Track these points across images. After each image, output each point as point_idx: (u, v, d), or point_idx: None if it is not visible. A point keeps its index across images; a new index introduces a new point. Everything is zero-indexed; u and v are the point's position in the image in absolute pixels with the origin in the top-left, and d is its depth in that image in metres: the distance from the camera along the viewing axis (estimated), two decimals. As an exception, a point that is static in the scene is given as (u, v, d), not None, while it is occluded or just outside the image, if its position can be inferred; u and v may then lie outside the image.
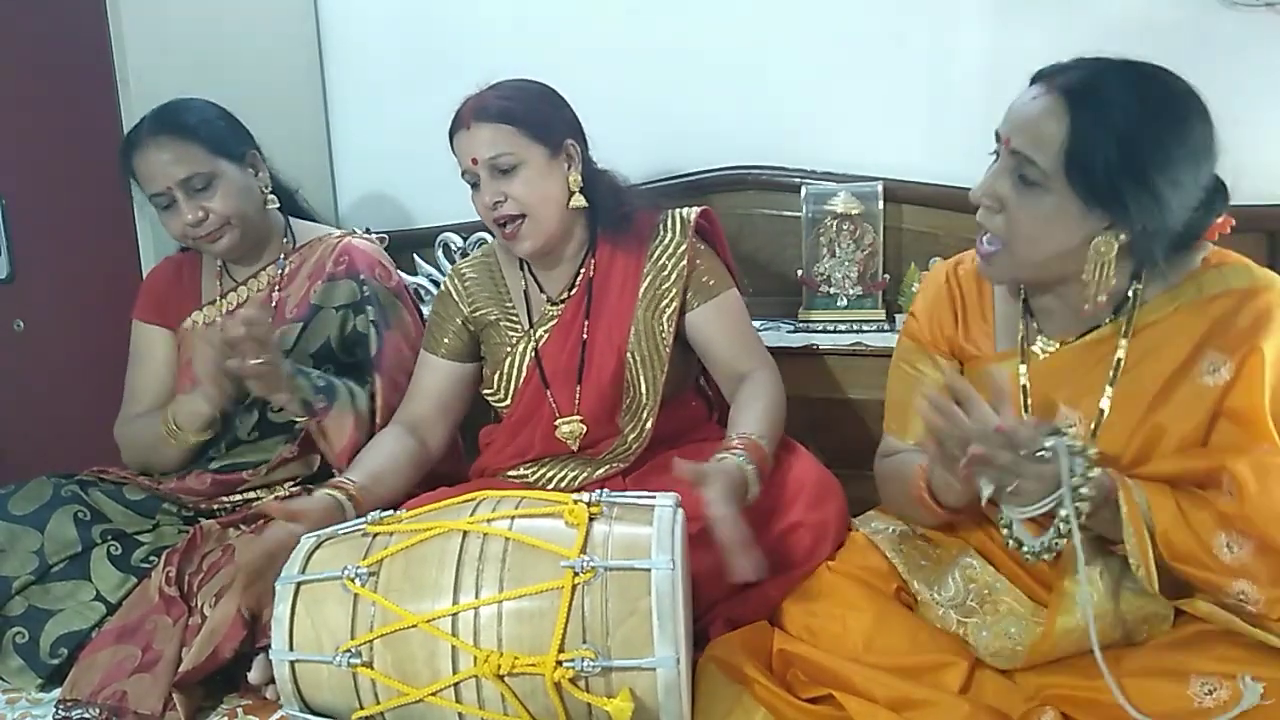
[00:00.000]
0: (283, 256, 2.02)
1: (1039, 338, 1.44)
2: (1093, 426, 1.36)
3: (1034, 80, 1.33)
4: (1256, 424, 1.25)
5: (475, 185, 1.75)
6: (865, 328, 2.22)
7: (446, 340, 1.88)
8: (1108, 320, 1.37)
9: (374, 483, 1.68)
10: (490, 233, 2.47)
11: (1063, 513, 1.21)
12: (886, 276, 2.30)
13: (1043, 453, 1.19)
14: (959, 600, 1.43)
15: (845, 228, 2.27)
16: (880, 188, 2.29)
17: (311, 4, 2.76)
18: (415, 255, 2.57)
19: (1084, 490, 1.20)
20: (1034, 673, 1.34)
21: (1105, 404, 1.35)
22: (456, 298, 1.90)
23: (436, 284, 2.56)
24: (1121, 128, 1.23)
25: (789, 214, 2.42)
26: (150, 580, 1.73)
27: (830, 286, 2.29)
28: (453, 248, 2.57)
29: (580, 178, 1.78)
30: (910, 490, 1.45)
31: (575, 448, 1.82)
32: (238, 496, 1.91)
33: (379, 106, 2.76)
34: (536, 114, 1.74)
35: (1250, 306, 1.29)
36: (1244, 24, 2.11)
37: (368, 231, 2.16)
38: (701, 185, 2.48)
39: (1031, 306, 1.45)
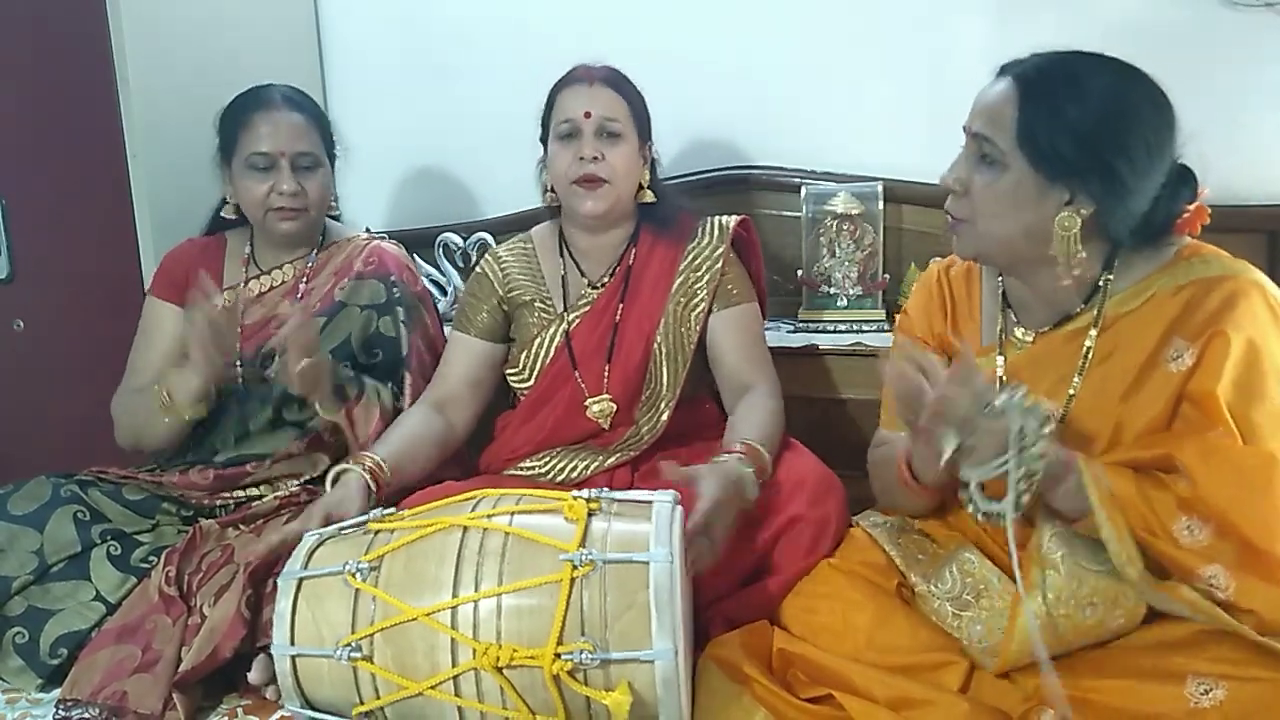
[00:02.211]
0: (314, 251, 2.04)
1: (1016, 330, 1.47)
2: (1061, 415, 1.38)
3: (997, 74, 1.39)
4: (1210, 408, 1.27)
5: (569, 136, 1.82)
6: (865, 328, 2.22)
7: (481, 319, 1.93)
8: (1078, 310, 1.41)
9: (399, 459, 1.71)
10: (492, 233, 2.50)
11: (1010, 466, 1.21)
12: (886, 276, 2.30)
13: (992, 409, 1.22)
14: (955, 593, 1.43)
15: (845, 228, 2.28)
16: (880, 188, 2.29)
17: (311, 4, 2.76)
18: (415, 255, 2.57)
19: (1035, 450, 1.21)
20: (1032, 672, 1.33)
21: (1073, 392, 1.39)
22: (493, 278, 1.95)
23: (437, 284, 2.56)
24: (1068, 103, 1.30)
25: (789, 214, 2.42)
26: (150, 580, 1.72)
27: (830, 286, 2.30)
28: (452, 248, 2.57)
29: (649, 178, 1.91)
30: (894, 472, 1.48)
31: (607, 426, 1.85)
32: (239, 492, 1.90)
33: (379, 106, 2.77)
34: (642, 108, 1.89)
35: (1216, 293, 1.32)
36: (1244, 24, 2.12)
37: (367, 231, 2.16)
38: (703, 185, 2.49)
39: (1009, 299, 1.49)
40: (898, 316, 1.70)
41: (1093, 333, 1.38)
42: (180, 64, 2.27)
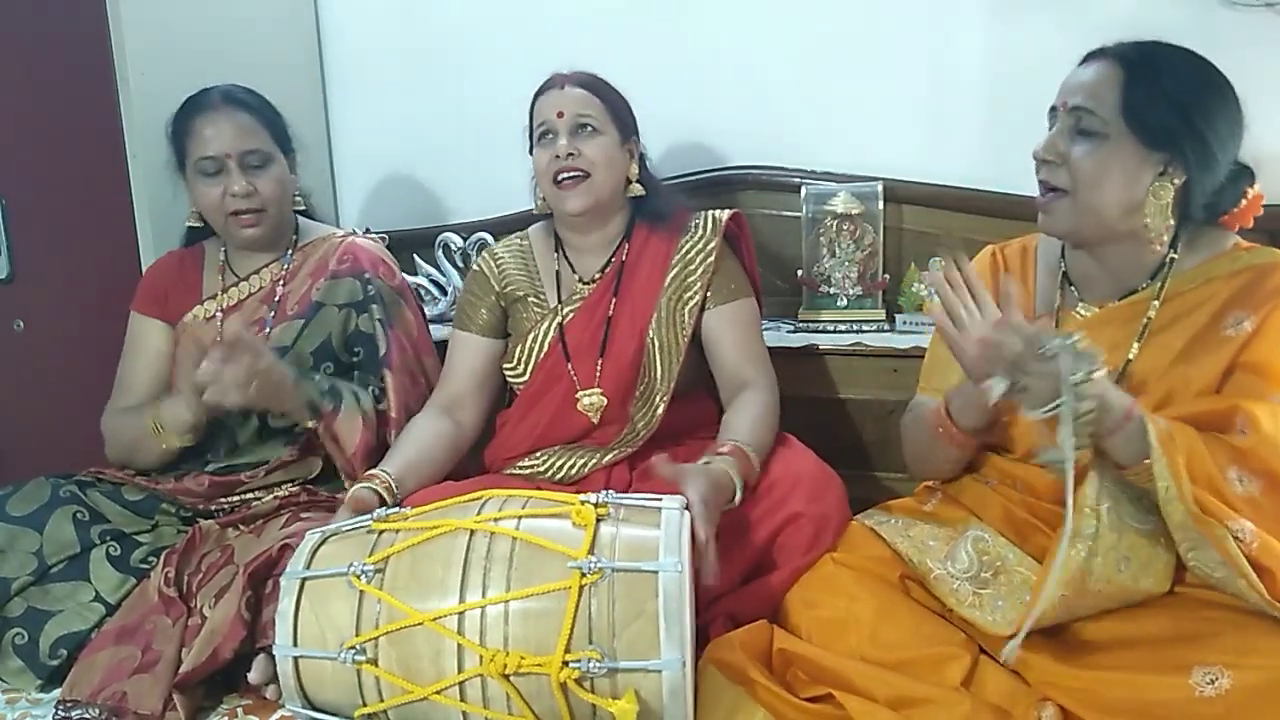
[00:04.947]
0: (289, 253, 2.03)
1: (1079, 304, 1.53)
2: (1117, 378, 1.42)
3: (1084, 60, 1.48)
4: (1271, 375, 1.34)
5: (547, 137, 1.85)
6: (865, 328, 2.22)
7: (481, 316, 1.94)
8: (1144, 285, 1.48)
9: (408, 473, 1.72)
10: (492, 233, 2.50)
11: (1064, 406, 1.24)
12: (886, 276, 2.30)
13: (1045, 350, 1.25)
14: (973, 573, 1.46)
15: (845, 228, 2.28)
16: (880, 188, 2.29)
17: (311, 4, 2.76)
18: (415, 255, 2.58)
19: (1086, 388, 1.24)
20: (1037, 660, 1.34)
21: (1131, 357, 1.44)
22: (489, 274, 1.96)
23: (437, 284, 2.56)
24: (1170, 79, 1.40)
25: (789, 214, 2.42)
26: (149, 581, 1.72)
27: (830, 286, 2.29)
28: (452, 248, 2.57)
29: (638, 172, 1.92)
30: (928, 428, 1.55)
31: (596, 420, 1.85)
32: (235, 497, 1.90)
33: (379, 106, 2.77)
34: (620, 103, 1.90)
35: (1276, 276, 1.41)
36: (1244, 24, 2.11)
37: (367, 231, 2.16)
38: (702, 185, 2.48)
39: (1071, 276, 1.56)
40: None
41: (1155, 304, 1.46)
42: (180, 64, 2.25)
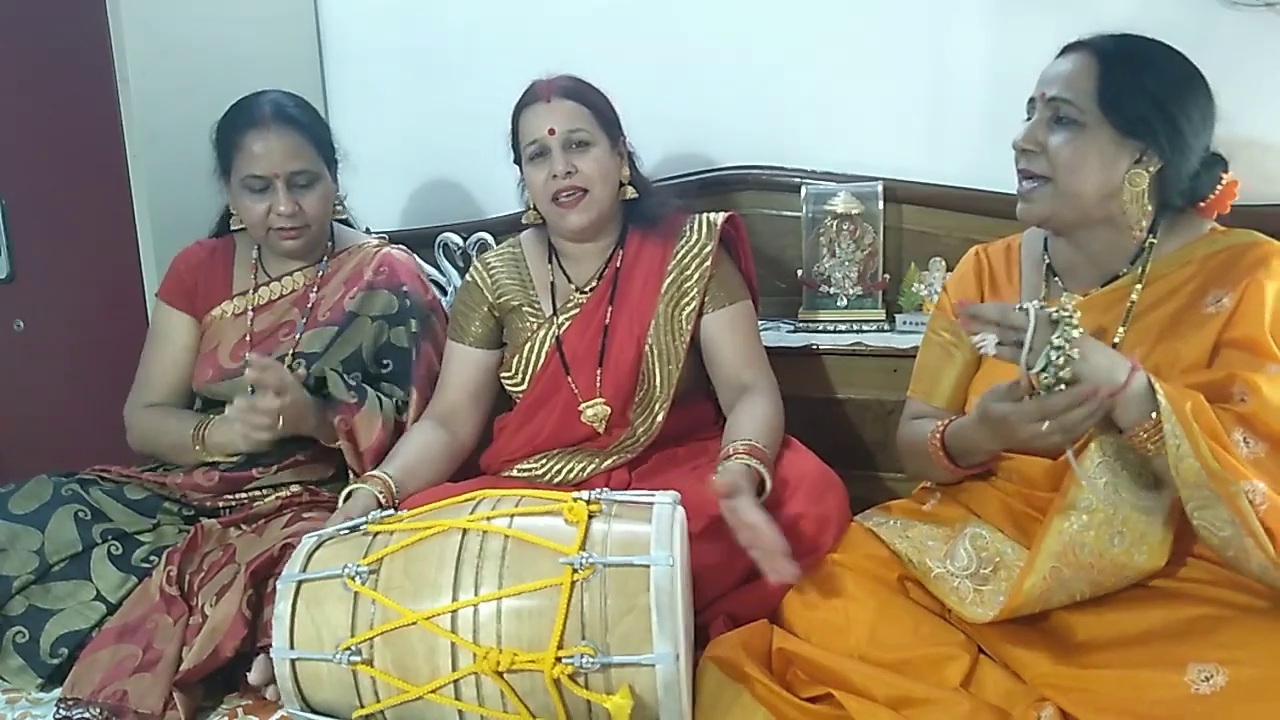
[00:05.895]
0: (324, 259, 2.04)
1: (1064, 294, 1.56)
2: None
3: (1061, 52, 1.52)
4: (1259, 347, 1.36)
5: (539, 156, 1.82)
6: (865, 328, 2.22)
7: (474, 328, 1.93)
8: (1125, 271, 1.51)
9: (408, 476, 1.72)
10: (492, 233, 2.50)
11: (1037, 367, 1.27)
12: (886, 276, 2.30)
13: (1020, 312, 1.28)
14: (972, 570, 1.47)
15: (845, 228, 2.27)
16: (880, 188, 2.29)
17: (311, 4, 2.77)
18: (415, 255, 2.58)
19: (1063, 347, 1.26)
20: (1033, 659, 1.35)
21: (1117, 340, 1.46)
22: (482, 285, 1.95)
23: (437, 284, 2.56)
24: (1145, 69, 1.44)
25: (789, 214, 2.42)
26: (151, 579, 1.72)
27: (830, 286, 2.29)
28: (452, 248, 2.57)
29: (628, 172, 1.90)
30: (926, 456, 1.58)
31: (601, 429, 1.84)
32: (242, 494, 1.90)
33: (379, 106, 2.77)
34: (606, 107, 1.87)
35: (1251, 254, 1.44)
36: (1244, 24, 2.11)
37: (367, 232, 2.16)
38: (702, 185, 2.48)
39: (1055, 267, 1.60)
40: (938, 295, 1.80)
41: (1138, 288, 1.49)
42: (180, 64, 2.27)
